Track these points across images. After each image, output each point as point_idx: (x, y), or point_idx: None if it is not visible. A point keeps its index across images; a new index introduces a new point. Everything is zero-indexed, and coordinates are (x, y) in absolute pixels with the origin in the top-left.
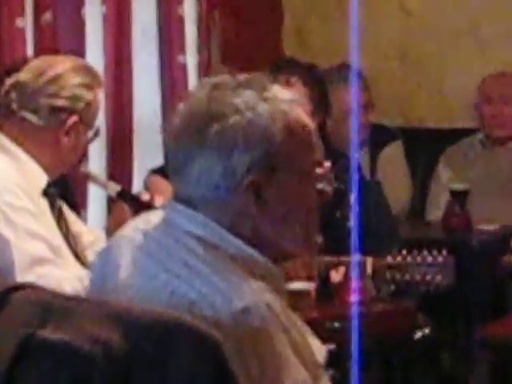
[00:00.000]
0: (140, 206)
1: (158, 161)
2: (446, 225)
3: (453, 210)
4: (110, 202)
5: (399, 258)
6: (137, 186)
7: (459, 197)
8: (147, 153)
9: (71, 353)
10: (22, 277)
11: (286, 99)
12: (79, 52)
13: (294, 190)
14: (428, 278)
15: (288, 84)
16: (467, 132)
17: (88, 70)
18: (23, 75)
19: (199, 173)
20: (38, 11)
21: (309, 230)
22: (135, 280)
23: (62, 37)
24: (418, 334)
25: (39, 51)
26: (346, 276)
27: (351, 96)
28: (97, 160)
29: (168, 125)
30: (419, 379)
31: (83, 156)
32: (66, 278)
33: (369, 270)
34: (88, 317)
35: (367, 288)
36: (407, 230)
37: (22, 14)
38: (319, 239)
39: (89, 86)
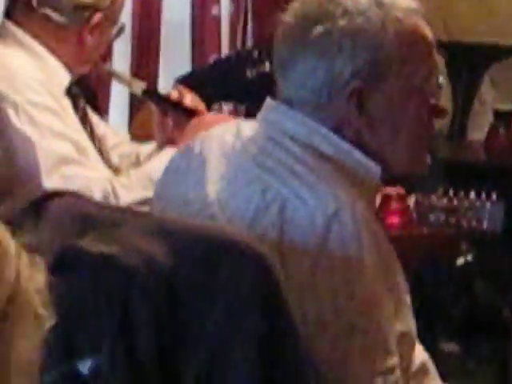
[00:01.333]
0: (168, 106)
1: (185, 69)
2: (489, 147)
3: (496, 132)
4: (133, 105)
5: (445, 200)
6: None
7: (504, 118)
8: (174, 60)
9: (111, 265)
10: (47, 177)
11: (403, 7)
12: None
13: (401, 102)
14: (474, 224)
15: None
16: None
17: None
18: None
19: (301, 74)
20: None
21: (417, 146)
22: (225, 173)
23: None
24: (460, 261)
25: None
26: (387, 200)
27: None
28: (121, 62)
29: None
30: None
31: (107, 54)
32: (95, 178)
33: (411, 205)
34: (131, 229)
35: (409, 212)
36: (447, 150)
37: None
38: (428, 159)
39: None
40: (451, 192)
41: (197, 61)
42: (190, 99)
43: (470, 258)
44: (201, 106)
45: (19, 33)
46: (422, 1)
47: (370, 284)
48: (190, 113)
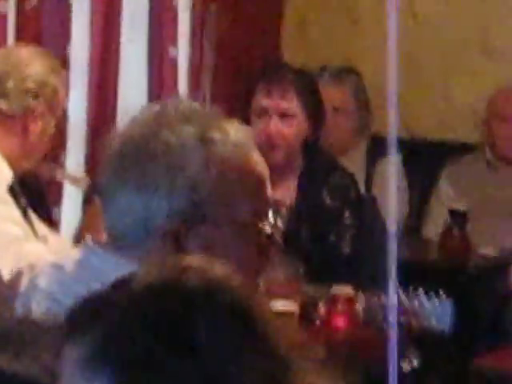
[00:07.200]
0: None
1: None
2: (443, 246)
3: (451, 231)
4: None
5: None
6: None
7: (458, 218)
8: None
9: None
10: (0, 258)
11: (231, 142)
12: (64, 39)
13: (223, 241)
14: (425, 323)
15: (283, 98)
16: (472, 147)
17: (50, 57)
18: None
19: (120, 208)
20: None
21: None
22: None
23: (46, 23)
24: (407, 367)
25: (22, 38)
26: (334, 301)
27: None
28: (75, 154)
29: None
30: None
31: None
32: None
33: (360, 306)
34: (47, 345)
35: (356, 315)
36: (402, 249)
37: None
38: None
39: (54, 71)
40: (401, 290)
41: None
42: None
43: (416, 363)
44: None
45: None
46: (384, 105)
47: None
48: None
